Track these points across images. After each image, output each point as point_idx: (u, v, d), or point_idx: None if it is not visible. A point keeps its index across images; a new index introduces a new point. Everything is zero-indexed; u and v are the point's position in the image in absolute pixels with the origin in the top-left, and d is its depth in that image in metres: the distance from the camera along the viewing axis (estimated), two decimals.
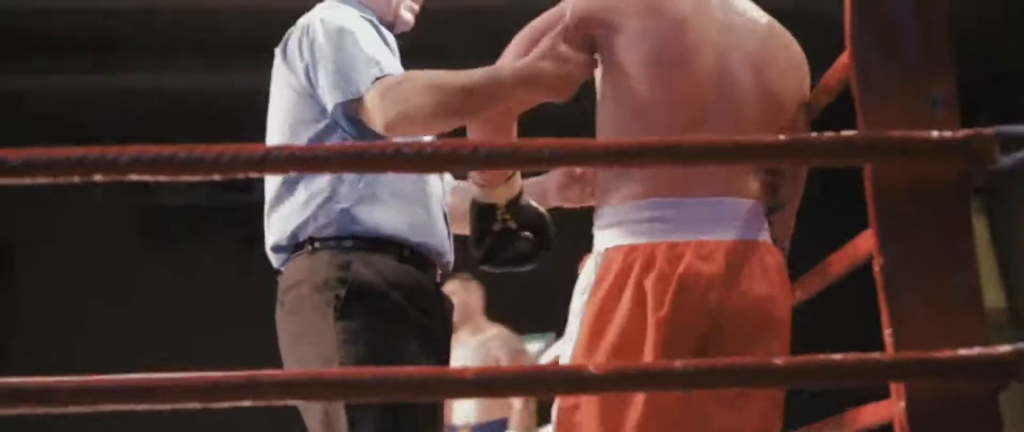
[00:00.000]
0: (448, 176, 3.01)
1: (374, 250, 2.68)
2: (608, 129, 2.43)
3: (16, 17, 7.28)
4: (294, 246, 2.72)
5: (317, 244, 2.69)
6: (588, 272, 2.42)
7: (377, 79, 2.61)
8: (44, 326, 8.76)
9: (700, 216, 2.36)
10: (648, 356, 2.27)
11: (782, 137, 1.72)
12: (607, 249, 2.39)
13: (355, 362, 2.59)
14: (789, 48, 2.49)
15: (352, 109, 2.64)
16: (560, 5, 2.47)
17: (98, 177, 1.55)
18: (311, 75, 2.70)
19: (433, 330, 2.72)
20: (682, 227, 2.34)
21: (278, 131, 2.75)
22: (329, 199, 2.67)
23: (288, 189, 2.72)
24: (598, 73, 2.45)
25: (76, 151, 1.56)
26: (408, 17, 2.90)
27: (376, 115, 2.59)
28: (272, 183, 2.76)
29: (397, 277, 2.67)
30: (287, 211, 2.70)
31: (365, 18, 2.75)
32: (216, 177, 1.55)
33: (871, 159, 1.54)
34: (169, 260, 8.97)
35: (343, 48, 2.67)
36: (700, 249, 2.33)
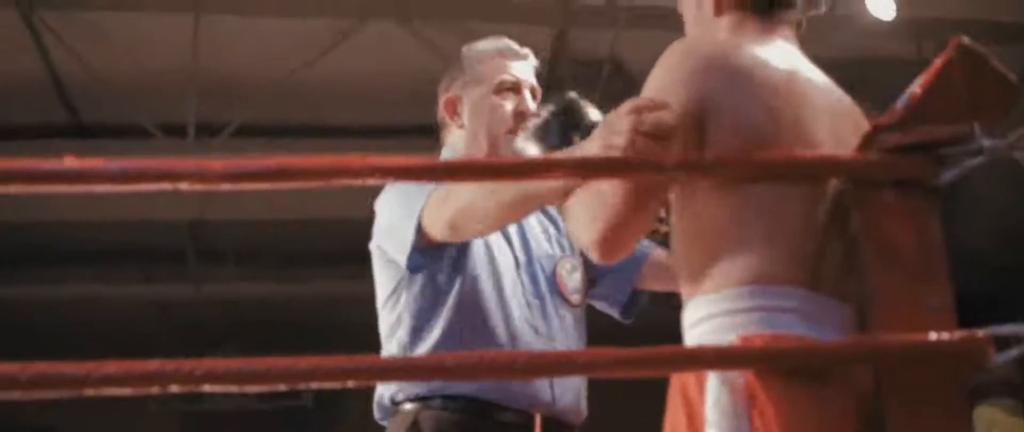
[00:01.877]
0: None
1: (447, 408, 2.67)
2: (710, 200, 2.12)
3: (68, 228, 7.48)
4: (383, 413, 2.77)
5: (400, 406, 2.72)
6: (725, 381, 1.97)
7: (431, 192, 2.62)
8: None
9: (829, 318, 2.02)
10: None
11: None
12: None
13: None
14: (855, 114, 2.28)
15: (422, 241, 2.64)
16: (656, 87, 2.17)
17: (174, 388, 1.69)
18: (382, 244, 2.76)
19: None
20: (822, 325, 1.99)
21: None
22: (415, 334, 2.70)
23: (389, 336, 2.77)
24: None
25: (152, 364, 1.69)
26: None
27: (437, 223, 2.59)
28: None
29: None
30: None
31: None
32: (281, 388, 1.68)
33: (877, 360, 1.70)
34: None
35: (399, 197, 2.71)
36: None
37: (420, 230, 2.63)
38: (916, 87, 1.77)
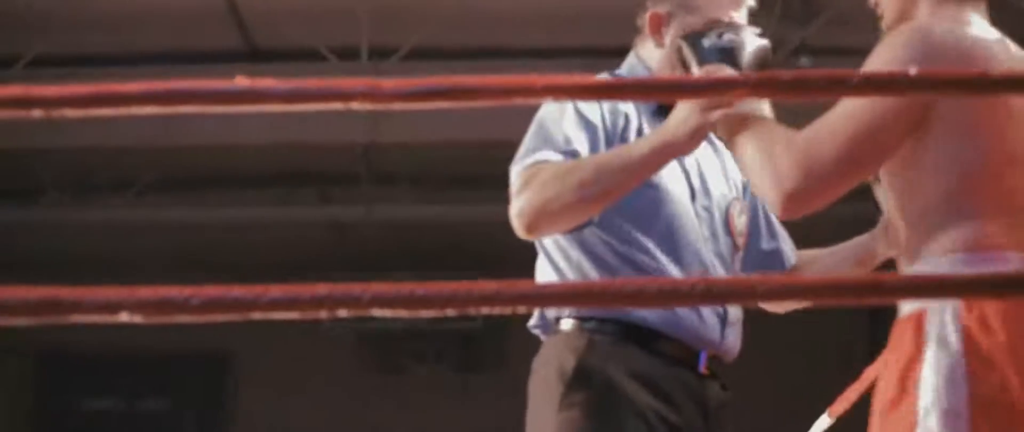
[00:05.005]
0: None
1: (611, 334, 2.60)
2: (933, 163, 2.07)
3: (248, 151, 7.57)
4: (544, 325, 2.69)
5: (560, 323, 2.64)
6: (946, 344, 1.95)
7: (521, 173, 2.55)
8: None
9: None
10: None
11: None
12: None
13: None
14: None
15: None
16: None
17: (343, 312, 1.66)
18: None
19: (682, 426, 2.59)
20: None
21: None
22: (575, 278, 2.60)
23: (545, 262, 2.69)
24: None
25: (321, 288, 1.67)
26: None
27: (514, 216, 2.53)
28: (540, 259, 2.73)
29: (634, 364, 2.58)
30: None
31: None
32: (450, 312, 1.64)
33: None
34: (388, 383, 9.13)
35: (527, 136, 2.62)
36: None
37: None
38: None
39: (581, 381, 2.57)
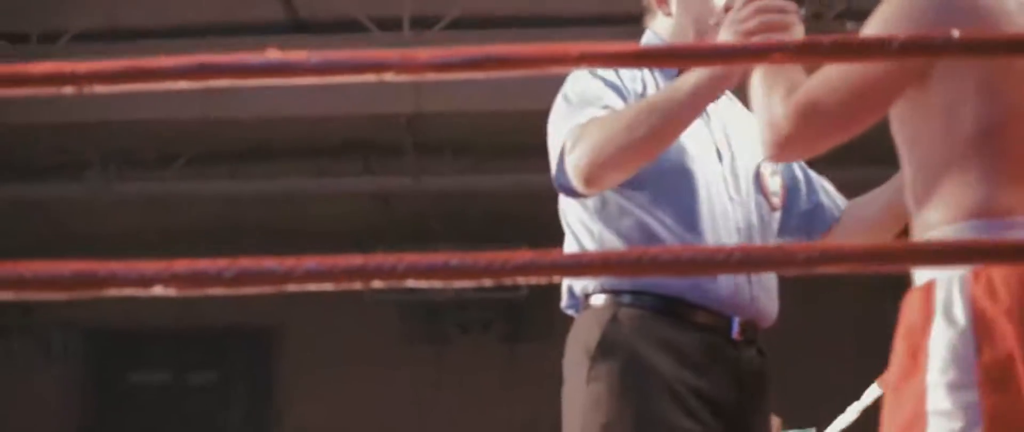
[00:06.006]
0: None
1: (640, 306, 2.58)
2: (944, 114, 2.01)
3: (288, 124, 7.58)
4: (574, 303, 2.67)
5: (589, 300, 2.61)
6: (952, 314, 1.91)
7: (570, 131, 2.52)
8: (307, 412, 9.01)
9: None
10: None
11: None
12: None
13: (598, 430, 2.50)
14: None
15: (563, 174, 2.53)
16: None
17: (377, 283, 1.65)
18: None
19: (712, 395, 2.56)
20: None
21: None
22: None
23: (571, 239, 2.67)
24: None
25: (356, 259, 1.66)
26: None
27: (571, 175, 2.50)
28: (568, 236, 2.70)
29: (663, 335, 2.55)
30: None
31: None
32: (486, 283, 1.63)
33: None
34: (434, 353, 9.15)
35: (556, 112, 2.60)
36: None
37: (561, 164, 2.53)
38: None
39: (607, 355, 2.54)
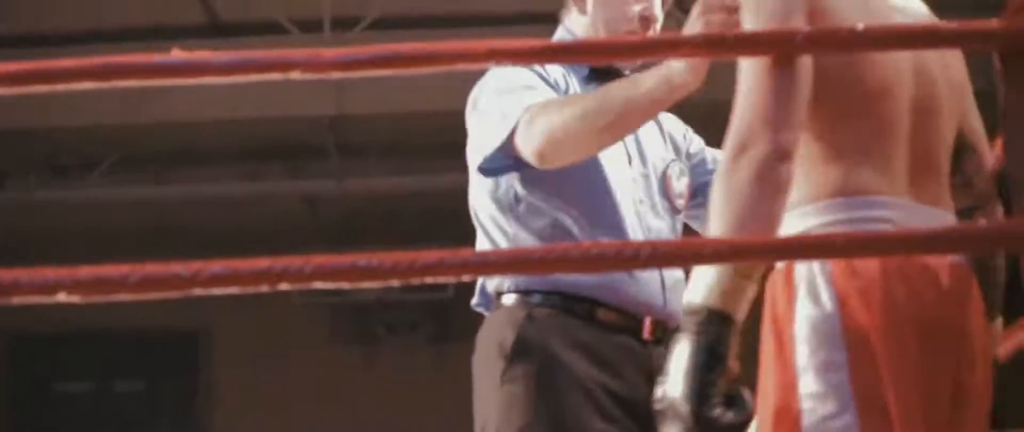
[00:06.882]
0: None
1: (552, 306, 2.60)
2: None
3: (215, 127, 7.54)
4: (485, 302, 2.70)
5: (501, 299, 2.64)
6: (816, 295, 1.91)
7: (526, 108, 2.55)
8: (236, 416, 8.96)
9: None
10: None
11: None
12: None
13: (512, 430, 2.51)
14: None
15: (510, 151, 2.56)
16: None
17: (284, 286, 1.64)
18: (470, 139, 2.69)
19: (625, 394, 2.59)
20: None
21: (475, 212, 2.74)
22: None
23: (483, 238, 2.70)
24: None
25: (262, 262, 1.65)
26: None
27: (524, 147, 2.52)
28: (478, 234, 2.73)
29: (576, 335, 2.57)
30: None
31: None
32: (393, 283, 1.63)
33: (1012, 246, 1.58)
34: (363, 354, 9.12)
35: (494, 92, 2.63)
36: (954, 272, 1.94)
37: (510, 140, 2.55)
38: None
39: (520, 354, 2.56)
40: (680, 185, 2.79)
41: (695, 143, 2.91)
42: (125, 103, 6.95)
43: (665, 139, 2.83)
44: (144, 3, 7.05)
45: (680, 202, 2.78)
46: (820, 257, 1.85)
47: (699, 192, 2.83)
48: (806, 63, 1.92)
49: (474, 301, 2.71)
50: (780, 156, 1.85)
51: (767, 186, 1.83)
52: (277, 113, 7.28)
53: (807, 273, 1.92)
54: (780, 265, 1.96)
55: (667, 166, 2.78)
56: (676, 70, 2.38)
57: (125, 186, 8.17)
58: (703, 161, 2.86)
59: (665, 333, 2.66)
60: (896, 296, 1.87)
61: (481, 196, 2.70)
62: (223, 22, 7.25)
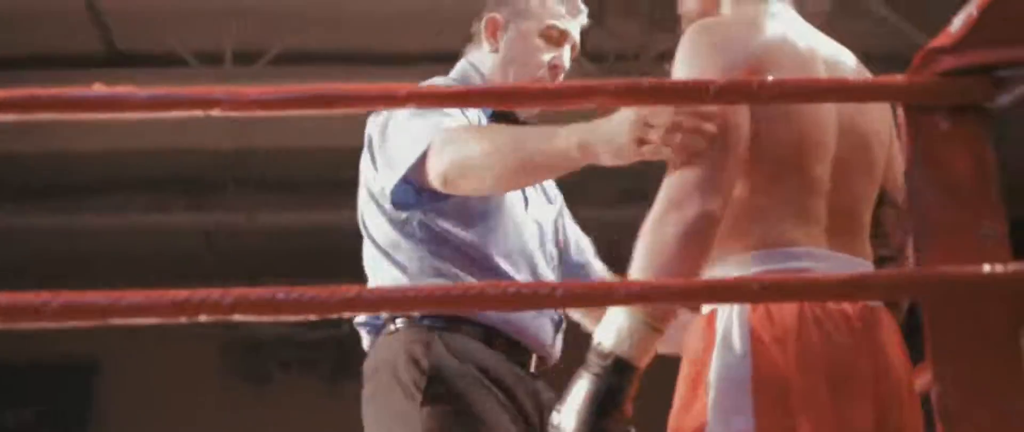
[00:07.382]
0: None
1: (455, 331, 2.61)
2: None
3: (120, 157, 7.47)
4: (374, 324, 2.70)
5: (396, 321, 2.64)
6: (731, 341, 1.98)
7: (443, 130, 2.53)
8: None
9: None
10: None
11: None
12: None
13: None
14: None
15: (419, 173, 2.54)
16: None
17: (203, 317, 1.65)
18: (376, 163, 2.67)
19: (521, 417, 2.64)
20: None
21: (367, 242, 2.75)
22: (415, 279, 2.62)
23: (376, 268, 2.71)
24: None
25: (181, 293, 1.66)
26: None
27: (433, 168, 2.50)
28: (367, 259, 2.74)
29: (481, 360, 2.61)
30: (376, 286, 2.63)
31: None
32: (312, 317, 1.64)
33: (923, 292, 1.63)
34: (254, 391, 9.06)
35: (407, 115, 2.61)
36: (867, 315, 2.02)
37: (421, 162, 2.54)
38: (973, 7, 1.71)
39: (437, 374, 2.59)
40: (563, 234, 2.90)
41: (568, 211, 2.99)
42: (21, 131, 6.86)
43: (547, 189, 2.92)
44: (39, 30, 6.97)
45: (556, 251, 2.86)
46: (732, 301, 1.91)
47: (561, 254, 2.91)
48: (743, 127, 2.00)
49: (358, 320, 2.73)
50: (709, 220, 1.96)
51: (692, 246, 1.94)
52: (183, 144, 7.25)
53: (726, 319, 2.00)
54: (705, 310, 2.02)
55: (556, 215, 2.87)
56: (607, 142, 2.19)
57: (24, 216, 8.06)
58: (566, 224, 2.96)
59: (545, 369, 2.74)
60: (811, 342, 1.95)
61: (379, 221, 2.72)
62: (120, 51, 7.19)
